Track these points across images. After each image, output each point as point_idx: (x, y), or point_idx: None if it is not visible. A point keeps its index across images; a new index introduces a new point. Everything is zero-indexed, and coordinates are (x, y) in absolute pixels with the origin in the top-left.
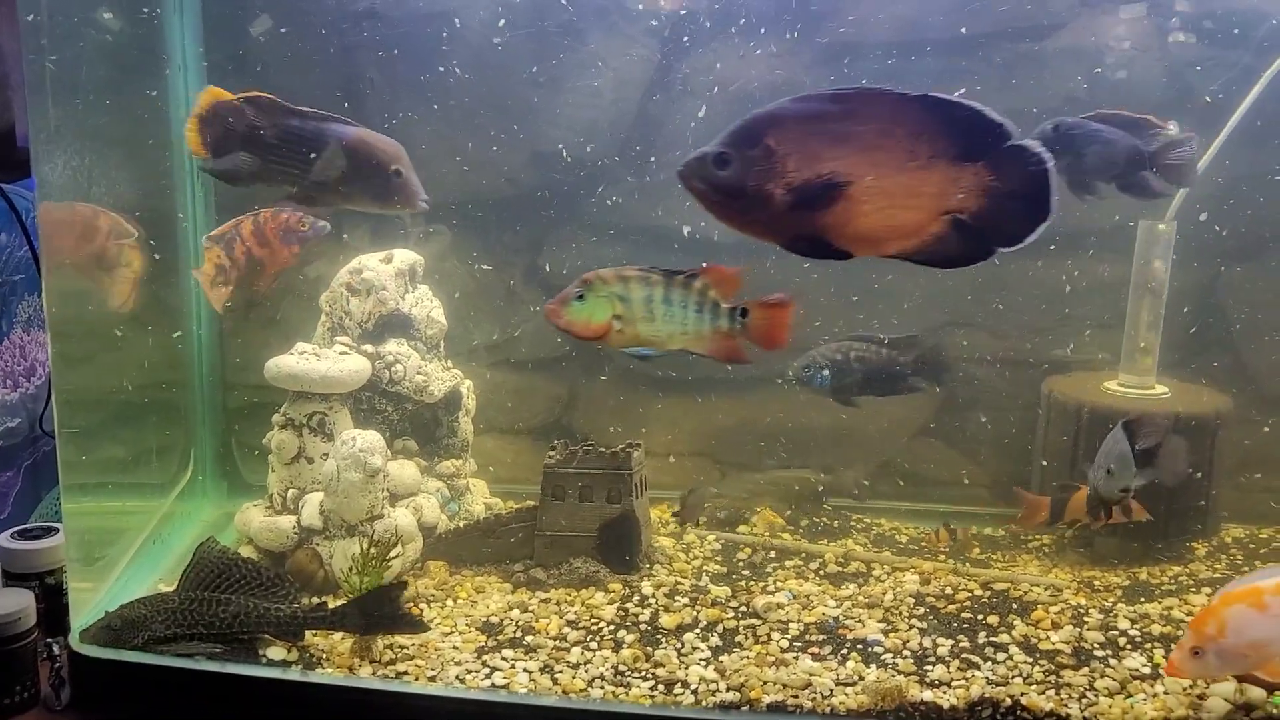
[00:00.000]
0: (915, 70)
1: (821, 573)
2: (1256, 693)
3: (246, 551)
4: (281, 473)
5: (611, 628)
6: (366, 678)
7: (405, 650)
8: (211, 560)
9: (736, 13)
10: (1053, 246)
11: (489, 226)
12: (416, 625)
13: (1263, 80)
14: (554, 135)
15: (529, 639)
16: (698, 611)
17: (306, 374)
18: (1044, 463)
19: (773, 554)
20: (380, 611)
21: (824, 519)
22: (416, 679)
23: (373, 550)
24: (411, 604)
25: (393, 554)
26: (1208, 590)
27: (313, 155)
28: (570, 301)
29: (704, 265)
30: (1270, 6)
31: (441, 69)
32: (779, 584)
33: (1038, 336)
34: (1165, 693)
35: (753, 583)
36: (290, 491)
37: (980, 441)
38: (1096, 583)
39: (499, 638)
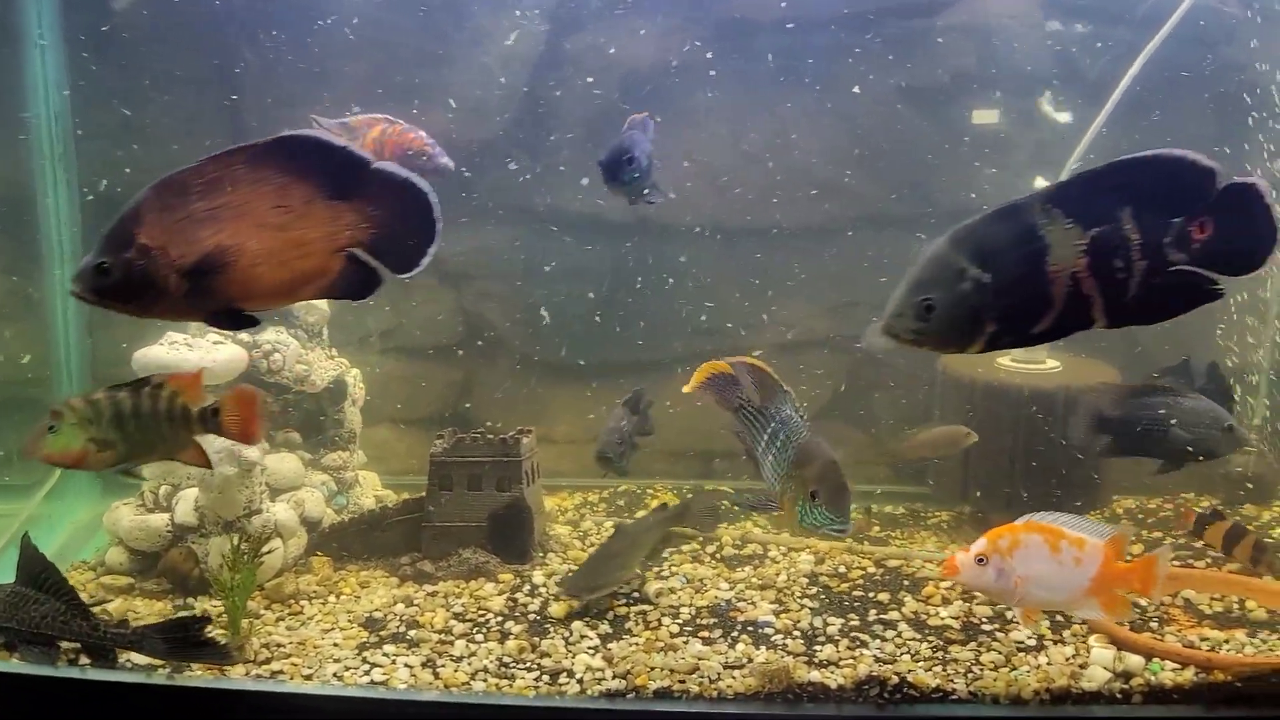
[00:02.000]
0: (810, 46)
1: (718, 556)
2: (1135, 660)
3: (116, 554)
4: (154, 468)
5: (499, 619)
6: (239, 678)
7: (283, 648)
8: (33, 555)
9: None
10: (933, 221)
11: None
12: (220, 656)
13: (1142, 56)
14: (441, 115)
15: (413, 633)
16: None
17: (177, 365)
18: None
19: (670, 538)
20: (181, 638)
21: (724, 502)
22: (292, 678)
23: (244, 546)
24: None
25: (267, 549)
26: None
27: None
28: (44, 436)
29: (169, 375)
30: None
31: (317, 49)
32: (674, 569)
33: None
34: (1048, 663)
35: (650, 570)
36: (163, 488)
37: (881, 420)
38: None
39: (381, 633)
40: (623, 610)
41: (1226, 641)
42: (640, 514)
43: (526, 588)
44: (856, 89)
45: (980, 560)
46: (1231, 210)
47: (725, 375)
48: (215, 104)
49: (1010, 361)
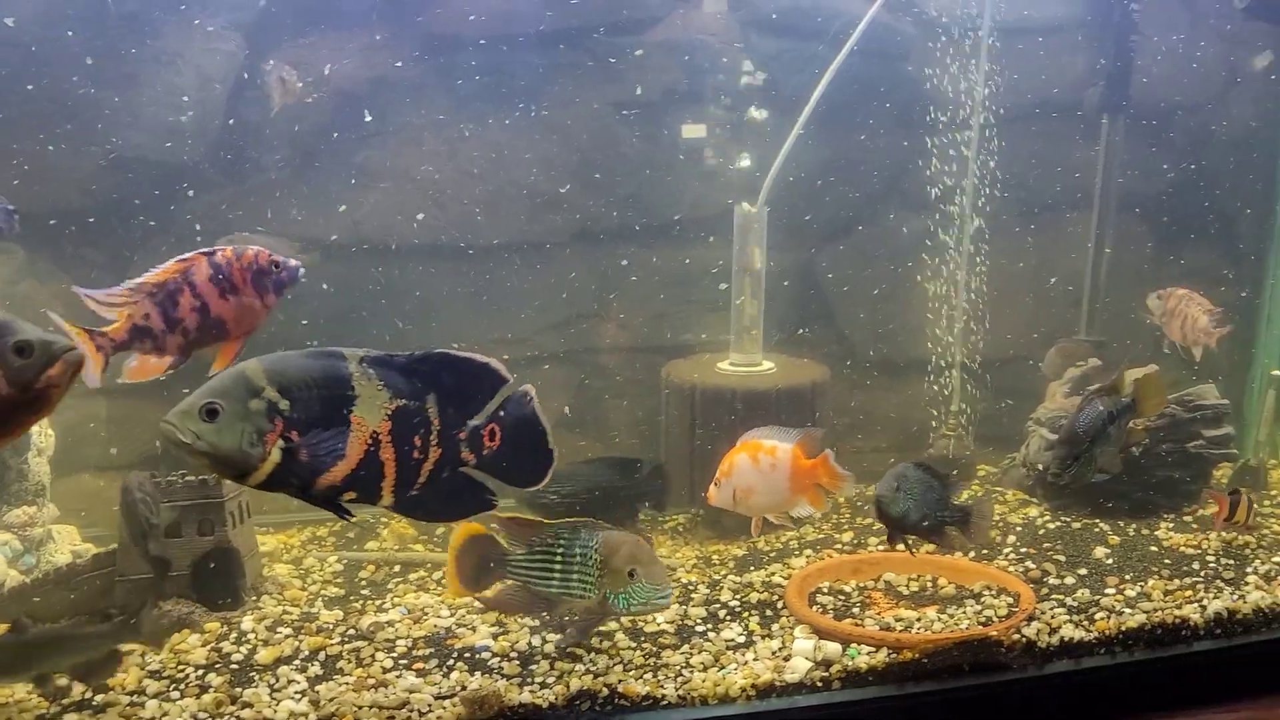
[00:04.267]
0: (517, 64)
1: (445, 582)
2: (833, 648)
3: None
4: None
5: (200, 672)
6: None
7: None
8: None
9: (328, 3)
10: (658, 238)
11: (67, 242)
12: None
13: (829, 71)
14: (134, 139)
15: (99, 698)
16: (300, 641)
17: None
18: (667, 444)
19: (398, 568)
20: None
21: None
22: None
23: None
24: None
25: None
26: (809, 553)
27: None
28: None
29: None
30: (839, 4)
31: None
32: (397, 600)
33: (660, 322)
34: (755, 659)
35: (370, 602)
36: None
37: (613, 427)
38: (715, 557)
39: (64, 701)
40: (335, 649)
41: (919, 620)
42: (371, 545)
43: (234, 635)
44: (581, 104)
45: (717, 484)
46: (516, 423)
47: (481, 538)
48: None
49: (728, 365)
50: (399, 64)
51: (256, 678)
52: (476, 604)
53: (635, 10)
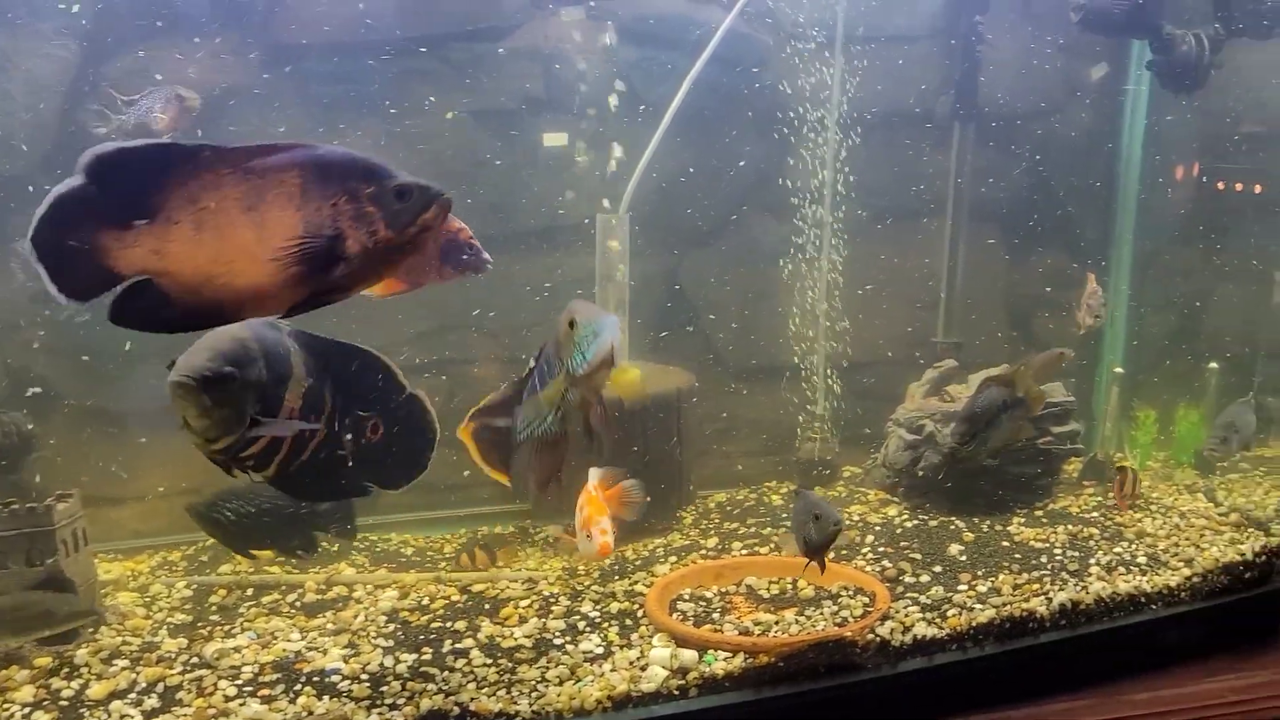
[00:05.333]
0: (372, 72)
1: (299, 604)
2: (690, 655)
3: None
4: None
5: (25, 710)
6: None
7: None
8: None
9: (169, 8)
10: (523, 246)
11: None
12: None
13: (687, 79)
14: None
15: None
16: (137, 673)
17: None
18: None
19: (251, 591)
20: None
21: (324, 543)
22: None
23: None
24: None
25: None
26: (673, 559)
27: None
28: None
29: None
30: (699, 13)
31: None
32: (247, 624)
33: (526, 331)
34: (612, 670)
35: (218, 628)
36: None
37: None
38: (583, 568)
39: None
40: (175, 679)
41: (777, 623)
42: (224, 569)
43: (66, 670)
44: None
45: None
46: (403, 423)
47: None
48: None
49: None
50: (246, 73)
51: (87, 714)
52: (329, 625)
53: (494, 18)
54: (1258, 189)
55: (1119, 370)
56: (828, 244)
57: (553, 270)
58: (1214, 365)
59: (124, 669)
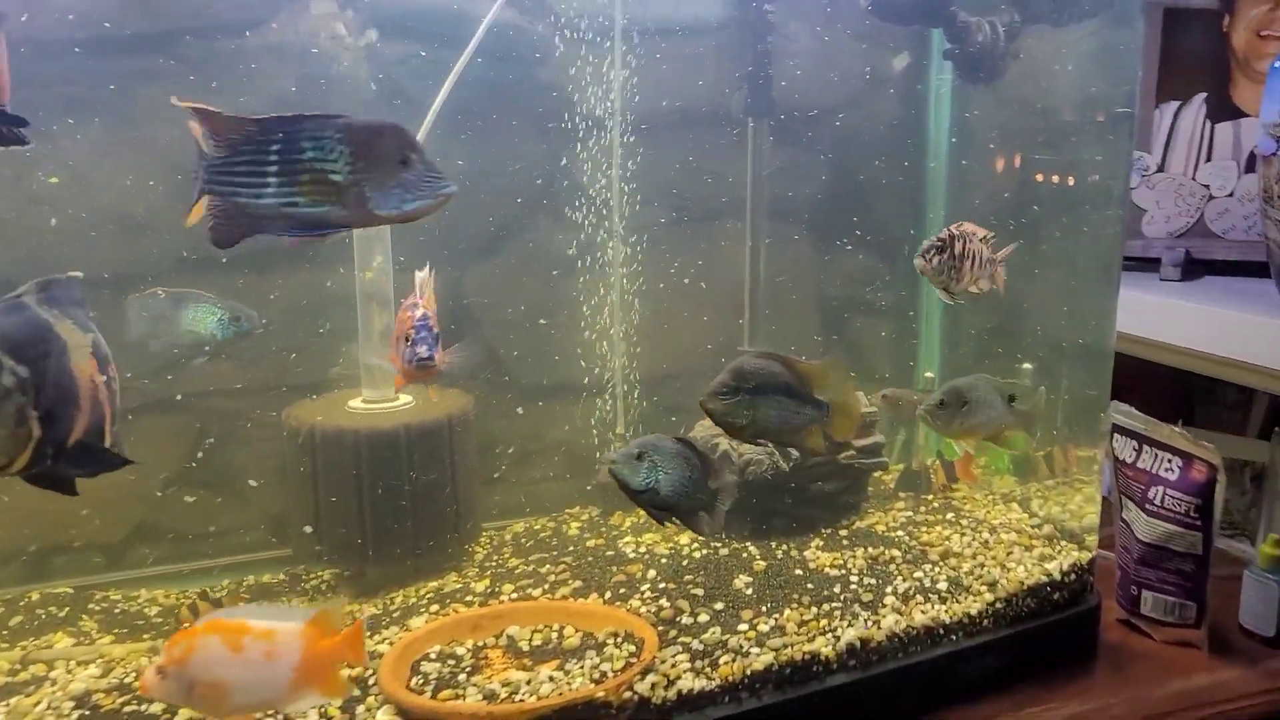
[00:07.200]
0: (95, 72)
1: None
2: None
3: None
4: None
5: None
6: None
7: None
8: None
9: None
10: (284, 263)
11: None
12: None
13: (451, 75)
14: None
15: None
16: None
17: None
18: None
19: None
20: None
21: (64, 609)
22: None
23: None
24: None
25: None
26: (436, 607)
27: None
28: None
29: None
30: (473, 6)
31: None
32: None
33: (289, 358)
34: None
35: None
36: None
37: (244, 480)
38: (350, 617)
39: None
40: None
41: (528, 682)
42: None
43: None
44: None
45: (160, 673)
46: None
47: None
48: None
49: (359, 403)
50: None
51: None
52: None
53: (232, 10)
54: (1071, 181)
55: (930, 375)
56: (621, 250)
57: (329, 285)
58: (1028, 366)
59: None
